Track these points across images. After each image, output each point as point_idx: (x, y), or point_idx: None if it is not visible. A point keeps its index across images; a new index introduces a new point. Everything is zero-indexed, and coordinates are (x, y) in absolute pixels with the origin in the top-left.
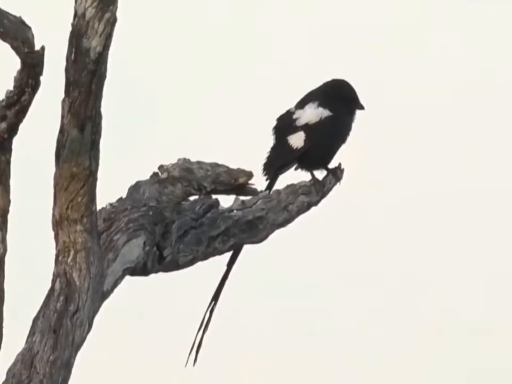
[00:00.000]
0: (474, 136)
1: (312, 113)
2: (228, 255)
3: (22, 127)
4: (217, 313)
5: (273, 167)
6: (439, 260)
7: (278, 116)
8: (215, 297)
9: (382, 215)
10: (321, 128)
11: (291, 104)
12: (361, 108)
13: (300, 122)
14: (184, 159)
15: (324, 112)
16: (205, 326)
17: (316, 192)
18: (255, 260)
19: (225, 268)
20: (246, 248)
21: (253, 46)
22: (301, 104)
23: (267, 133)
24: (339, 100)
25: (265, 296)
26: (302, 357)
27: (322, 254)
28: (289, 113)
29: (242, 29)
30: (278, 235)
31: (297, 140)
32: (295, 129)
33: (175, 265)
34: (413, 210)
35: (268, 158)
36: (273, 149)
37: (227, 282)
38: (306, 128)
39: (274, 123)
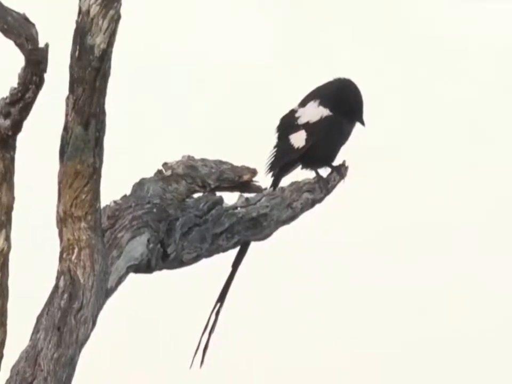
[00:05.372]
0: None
1: (313, 112)
2: (233, 253)
3: (26, 124)
4: (223, 313)
5: (276, 166)
6: (447, 256)
7: (282, 114)
8: (221, 298)
9: (387, 213)
10: (321, 127)
11: (296, 101)
12: (362, 123)
13: (302, 120)
14: (188, 156)
15: (324, 111)
16: (211, 327)
17: (320, 190)
18: (258, 257)
19: (230, 268)
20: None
21: (259, 42)
22: (304, 102)
23: (271, 130)
24: (341, 103)
25: (270, 294)
26: (309, 355)
27: (326, 251)
28: (292, 112)
29: (248, 23)
30: (282, 232)
31: (298, 139)
32: (297, 127)
33: (179, 263)
34: (422, 207)
35: (271, 157)
36: (276, 148)
37: (233, 282)
38: (307, 127)
39: (278, 121)
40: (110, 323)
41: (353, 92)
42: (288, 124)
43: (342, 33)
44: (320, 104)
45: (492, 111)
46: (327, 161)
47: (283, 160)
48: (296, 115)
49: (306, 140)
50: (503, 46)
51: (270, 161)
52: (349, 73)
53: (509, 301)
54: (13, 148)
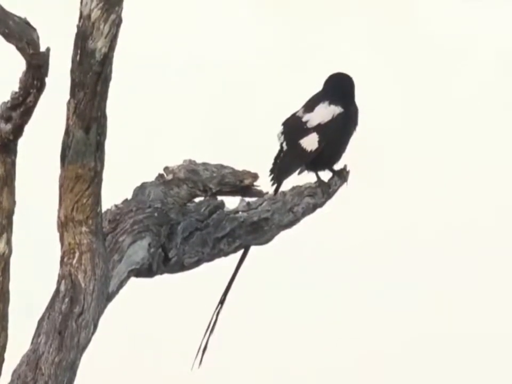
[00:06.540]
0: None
1: (324, 112)
2: (234, 257)
3: (27, 128)
4: (224, 316)
5: (288, 173)
6: (448, 259)
7: (283, 120)
8: (221, 302)
9: (388, 217)
10: (334, 126)
11: (297, 102)
12: None
13: (312, 123)
14: (190, 160)
15: (336, 109)
16: (211, 328)
17: (321, 194)
18: (259, 261)
19: (231, 271)
20: (251, 249)
21: (259, 42)
22: (309, 107)
23: (272, 134)
24: (346, 93)
25: (271, 297)
26: (308, 358)
27: (327, 255)
28: (296, 117)
29: (247, 24)
30: (283, 236)
31: (310, 142)
32: (306, 131)
33: (180, 267)
34: (423, 209)
35: (281, 164)
36: (286, 155)
37: (233, 286)
38: (319, 128)
39: (280, 128)
40: (111, 327)
41: (347, 77)
42: (295, 129)
43: (342, 34)
44: (331, 103)
45: (492, 111)
46: (332, 163)
47: (296, 165)
48: (304, 119)
49: (319, 142)
50: (504, 46)
51: (280, 168)
52: (349, 73)
53: (510, 301)
54: (14, 152)
